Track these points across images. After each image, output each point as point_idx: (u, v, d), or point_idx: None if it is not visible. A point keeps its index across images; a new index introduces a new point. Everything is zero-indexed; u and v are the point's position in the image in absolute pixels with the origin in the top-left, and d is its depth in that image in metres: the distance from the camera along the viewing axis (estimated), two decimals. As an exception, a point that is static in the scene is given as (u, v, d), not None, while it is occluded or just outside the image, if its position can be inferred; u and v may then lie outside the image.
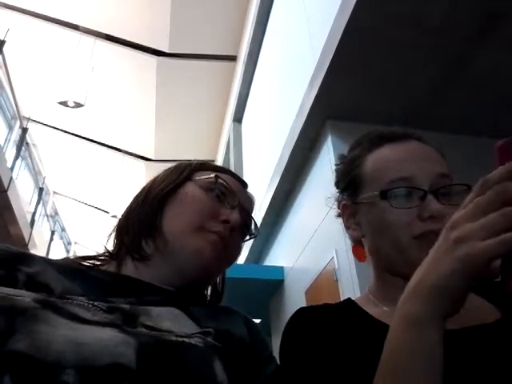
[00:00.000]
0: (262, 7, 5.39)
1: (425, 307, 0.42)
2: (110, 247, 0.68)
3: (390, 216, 0.62)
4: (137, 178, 9.33)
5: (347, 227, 0.73)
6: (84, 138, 8.89)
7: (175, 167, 0.73)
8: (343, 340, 0.57)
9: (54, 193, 11.47)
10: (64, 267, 0.58)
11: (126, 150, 9.06)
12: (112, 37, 6.95)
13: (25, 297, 0.44)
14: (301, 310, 0.66)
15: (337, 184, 0.76)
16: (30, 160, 9.48)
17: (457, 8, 2.35)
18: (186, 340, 0.47)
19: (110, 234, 0.69)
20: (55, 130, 8.86)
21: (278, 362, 0.60)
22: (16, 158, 7.65)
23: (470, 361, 0.51)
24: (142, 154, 9.11)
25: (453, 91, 2.91)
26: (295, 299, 3.91)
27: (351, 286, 2.60)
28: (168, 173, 0.71)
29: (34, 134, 8.95)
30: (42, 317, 0.42)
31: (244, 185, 0.74)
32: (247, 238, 0.72)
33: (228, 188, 0.68)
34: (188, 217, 0.63)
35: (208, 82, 7.35)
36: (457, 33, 2.50)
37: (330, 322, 0.61)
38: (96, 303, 0.49)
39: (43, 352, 0.38)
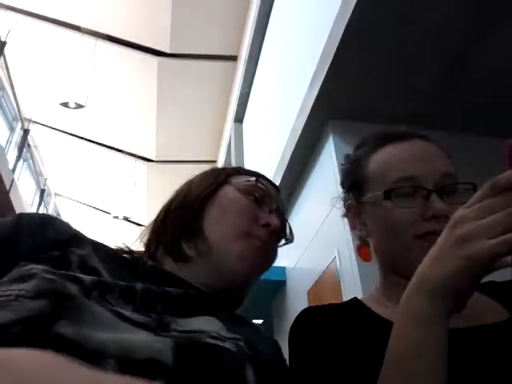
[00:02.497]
0: (263, 7, 5.39)
1: (428, 304, 0.42)
2: (141, 248, 0.68)
3: (394, 216, 0.62)
4: (138, 179, 9.34)
5: (353, 227, 0.73)
6: (85, 139, 8.90)
7: (211, 171, 0.74)
8: (351, 338, 0.57)
9: (56, 194, 11.49)
10: (108, 255, 0.58)
11: (127, 150, 9.07)
12: (113, 37, 6.96)
13: (73, 284, 0.45)
14: (307, 309, 0.66)
15: (342, 184, 0.76)
16: (31, 161, 9.49)
17: (457, 7, 2.34)
18: (220, 344, 0.47)
19: (141, 237, 0.70)
20: (57, 131, 8.87)
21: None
22: (18, 159, 7.66)
23: (478, 360, 0.51)
24: (143, 155, 9.11)
25: (454, 90, 2.91)
26: (297, 300, 3.90)
27: (353, 286, 2.59)
28: (204, 176, 0.72)
29: (36, 135, 8.97)
30: (87, 307, 0.43)
31: (278, 190, 0.74)
32: (283, 242, 0.72)
33: (266, 192, 0.68)
34: (231, 220, 0.64)
35: (209, 82, 7.35)
36: (458, 31, 2.50)
37: (337, 321, 0.61)
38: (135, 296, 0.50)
39: (87, 339, 0.39)
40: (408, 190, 0.62)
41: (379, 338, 0.51)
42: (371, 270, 0.73)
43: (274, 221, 0.65)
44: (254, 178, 0.68)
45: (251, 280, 0.68)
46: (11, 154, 7.84)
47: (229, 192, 0.67)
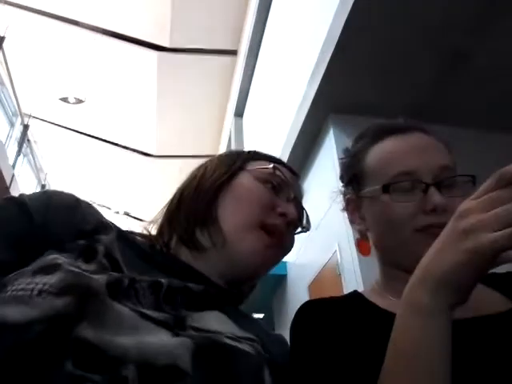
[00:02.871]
0: (263, 1, 5.36)
1: (432, 296, 0.42)
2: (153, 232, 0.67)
3: (393, 210, 0.62)
4: (138, 174, 9.34)
5: (352, 221, 0.72)
6: (85, 134, 8.88)
7: (226, 155, 0.71)
8: (353, 331, 0.57)
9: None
10: (129, 244, 0.57)
11: (127, 145, 9.06)
12: (112, 32, 6.93)
13: (100, 276, 0.44)
14: (308, 302, 0.66)
15: (341, 178, 0.75)
16: (31, 157, 9.49)
17: (457, 2, 2.33)
18: (238, 345, 0.47)
19: (153, 221, 0.68)
20: (56, 126, 8.85)
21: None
22: (18, 154, 7.66)
23: (481, 350, 0.51)
24: (143, 150, 9.10)
25: (455, 84, 2.90)
26: (298, 294, 3.91)
27: (354, 280, 2.60)
28: (220, 161, 0.69)
29: (36, 130, 8.95)
30: (110, 305, 0.42)
31: (296, 175, 0.72)
32: (299, 230, 0.70)
33: (284, 180, 0.66)
34: (246, 209, 0.62)
35: (209, 76, 7.33)
36: (458, 26, 2.48)
37: (338, 313, 0.61)
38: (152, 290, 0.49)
39: (108, 344, 0.38)
40: (406, 184, 0.62)
41: (381, 330, 0.51)
42: (372, 264, 0.73)
43: (291, 210, 0.64)
44: (271, 165, 0.66)
45: (265, 271, 0.66)
46: (11, 150, 7.83)
47: (245, 180, 0.65)
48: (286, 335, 0.64)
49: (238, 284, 0.65)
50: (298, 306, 0.66)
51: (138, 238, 0.63)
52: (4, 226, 0.49)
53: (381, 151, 0.67)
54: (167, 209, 0.68)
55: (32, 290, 0.40)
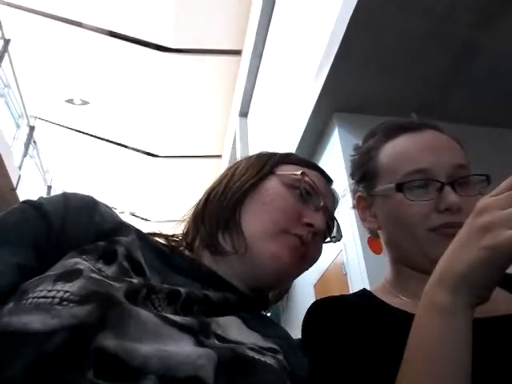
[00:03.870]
0: (267, 1, 5.35)
1: (451, 296, 0.42)
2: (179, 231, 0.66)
3: (407, 209, 0.61)
4: (144, 175, 9.36)
5: (363, 219, 0.72)
6: (91, 135, 8.92)
7: (257, 157, 0.68)
8: (366, 330, 0.57)
9: (63, 191, 11.54)
10: (149, 246, 0.57)
11: (132, 146, 9.08)
12: (116, 33, 6.95)
13: (120, 284, 0.44)
14: (319, 301, 0.65)
15: (352, 175, 0.75)
16: (37, 158, 9.54)
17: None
18: (261, 358, 0.46)
19: (182, 221, 0.67)
20: (62, 127, 8.90)
21: None
22: (24, 156, 7.70)
23: (498, 350, 0.50)
24: (148, 151, 9.13)
25: (464, 81, 2.87)
26: (304, 293, 3.90)
27: (360, 279, 2.58)
28: (249, 164, 0.67)
29: (42, 132, 9.00)
30: (132, 313, 0.41)
31: (329, 181, 0.70)
32: (328, 240, 0.68)
33: (313, 187, 0.63)
34: (269, 217, 0.59)
35: (213, 76, 7.33)
36: (466, 19, 2.46)
37: (350, 312, 0.60)
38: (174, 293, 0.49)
39: (130, 354, 0.38)
40: (421, 182, 0.61)
41: (394, 329, 0.51)
42: (378, 263, 0.72)
43: (318, 221, 0.61)
44: (299, 172, 0.62)
45: (287, 280, 0.64)
46: (17, 151, 7.88)
47: (272, 185, 0.62)
48: (292, 333, 0.64)
49: (262, 290, 0.64)
50: (304, 305, 0.65)
51: (157, 239, 0.62)
52: (22, 230, 0.48)
53: (394, 149, 0.66)
54: (194, 209, 0.67)
55: (53, 297, 0.39)
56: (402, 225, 0.62)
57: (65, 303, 0.39)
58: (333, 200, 0.69)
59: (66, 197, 0.54)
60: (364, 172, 0.70)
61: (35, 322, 0.37)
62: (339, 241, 0.69)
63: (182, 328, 0.44)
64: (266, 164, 0.65)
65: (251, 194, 0.62)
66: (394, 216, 0.63)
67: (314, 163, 0.70)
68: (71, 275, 0.42)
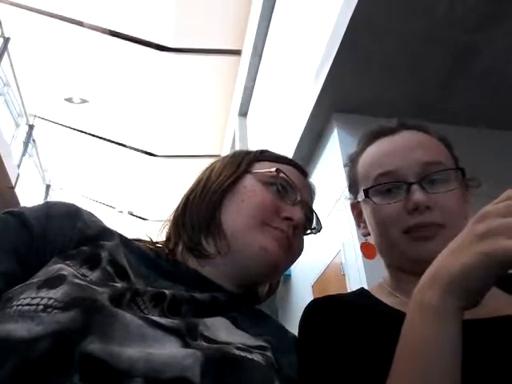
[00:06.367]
0: (266, 1, 5.35)
1: (443, 297, 0.42)
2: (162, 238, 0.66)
3: (379, 213, 0.62)
4: (142, 174, 9.35)
5: (357, 225, 0.74)
6: (90, 134, 8.91)
7: (232, 157, 0.69)
8: (363, 329, 0.57)
9: (61, 189, 11.53)
10: (133, 251, 0.57)
11: (131, 145, 9.07)
12: (116, 32, 6.94)
13: (104, 289, 0.44)
14: (315, 300, 0.66)
15: (347, 184, 0.77)
16: (36, 157, 9.52)
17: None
18: (248, 356, 0.46)
19: (163, 227, 0.67)
20: (61, 126, 8.88)
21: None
22: (23, 154, 7.69)
23: (486, 352, 0.50)
24: (147, 150, 9.12)
25: (463, 83, 2.87)
26: (302, 293, 3.91)
27: (358, 280, 2.59)
28: (225, 164, 0.67)
29: (41, 130, 8.99)
30: (117, 316, 0.42)
31: (305, 174, 0.70)
32: (308, 232, 0.68)
33: (289, 182, 0.64)
34: (249, 212, 0.60)
35: (213, 76, 7.33)
36: (465, 21, 2.46)
37: (347, 311, 0.61)
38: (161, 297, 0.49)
39: (115, 358, 0.38)
40: (389, 185, 0.61)
41: (390, 328, 0.51)
42: (376, 264, 0.73)
43: (297, 214, 0.61)
44: (274, 169, 0.63)
45: (276, 272, 0.64)
46: (16, 150, 7.86)
47: (248, 183, 0.63)
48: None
49: (251, 286, 0.64)
50: (302, 305, 0.65)
51: (142, 244, 0.62)
52: (5, 239, 0.49)
53: (367, 155, 0.68)
54: (174, 214, 0.67)
55: (37, 304, 0.40)
56: (379, 228, 0.63)
57: (49, 310, 0.39)
58: (309, 193, 0.70)
59: (48, 205, 0.55)
60: (350, 179, 0.72)
61: (19, 329, 0.37)
62: (319, 231, 0.69)
63: (168, 330, 0.44)
64: (241, 163, 0.66)
65: (229, 194, 0.63)
66: (372, 220, 0.64)
67: (289, 158, 0.71)
68: (55, 281, 0.42)
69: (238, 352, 0.45)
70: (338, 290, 2.94)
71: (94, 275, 0.47)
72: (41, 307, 0.39)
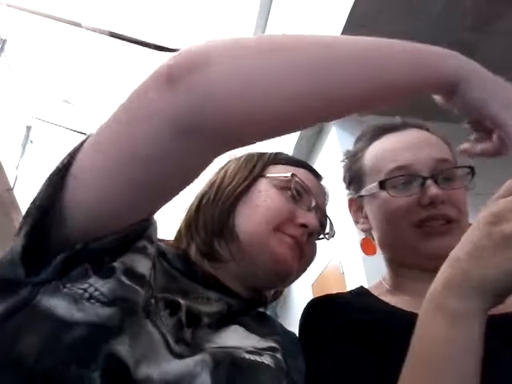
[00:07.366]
0: (264, 2, 5.36)
1: (466, 302, 0.40)
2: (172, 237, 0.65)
3: (390, 205, 0.62)
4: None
5: (355, 222, 0.74)
6: (88, 135, 8.90)
7: (246, 160, 0.68)
8: (361, 326, 0.57)
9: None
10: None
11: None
12: (115, 33, 6.93)
13: (141, 293, 0.43)
14: (315, 299, 0.66)
15: (344, 179, 0.76)
16: (34, 158, 9.51)
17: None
18: (258, 359, 0.45)
19: (179, 230, 0.66)
20: (59, 127, 8.88)
21: None
22: (21, 156, 7.67)
23: (499, 348, 0.50)
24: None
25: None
26: (302, 292, 3.91)
27: (358, 278, 2.59)
28: (238, 167, 0.66)
29: (38, 131, 8.98)
30: (144, 326, 0.42)
31: (319, 178, 0.70)
32: (321, 237, 0.68)
33: (304, 187, 0.63)
34: (263, 217, 0.59)
35: (211, 76, 7.32)
36: (462, 21, 2.47)
37: (345, 309, 0.61)
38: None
39: (137, 365, 0.38)
40: (403, 178, 0.62)
41: (389, 326, 0.51)
42: (376, 263, 0.73)
43: (312, 221, 0.61)
44: (289, 173, 0.62)
45: (288, 278, 0.63)
46: (14, 151, 7.85)
47: (263, 187, 0.62)
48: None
49: (260, 290, 0.64)
50: (301, 305, 0.66)
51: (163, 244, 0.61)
52: None
53: (377, 149, 0.68)
54: (186, 215, 0.66)
55: (85, 290, 0.39)
56: (388, 222, 0.63)
57: (92, 301, 0.39)
58: (324, 197, 0.70)
59: None
60: (352, 174, 0.72)
61: (63, 308, 0.38)
62: (333, 237, 0.69)
63: (177, 356, 0.44)
64: (256, 166, 0.65)
65: (243, 199, 0.62)
66: (381, 214, 0.64)
67: (303, 161, 0.70)
68: (105, 271, 0.41)
69: (247, 356, 0.45)
70: (337, 289, 2.94)
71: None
72: (86, 295, 0.39)
